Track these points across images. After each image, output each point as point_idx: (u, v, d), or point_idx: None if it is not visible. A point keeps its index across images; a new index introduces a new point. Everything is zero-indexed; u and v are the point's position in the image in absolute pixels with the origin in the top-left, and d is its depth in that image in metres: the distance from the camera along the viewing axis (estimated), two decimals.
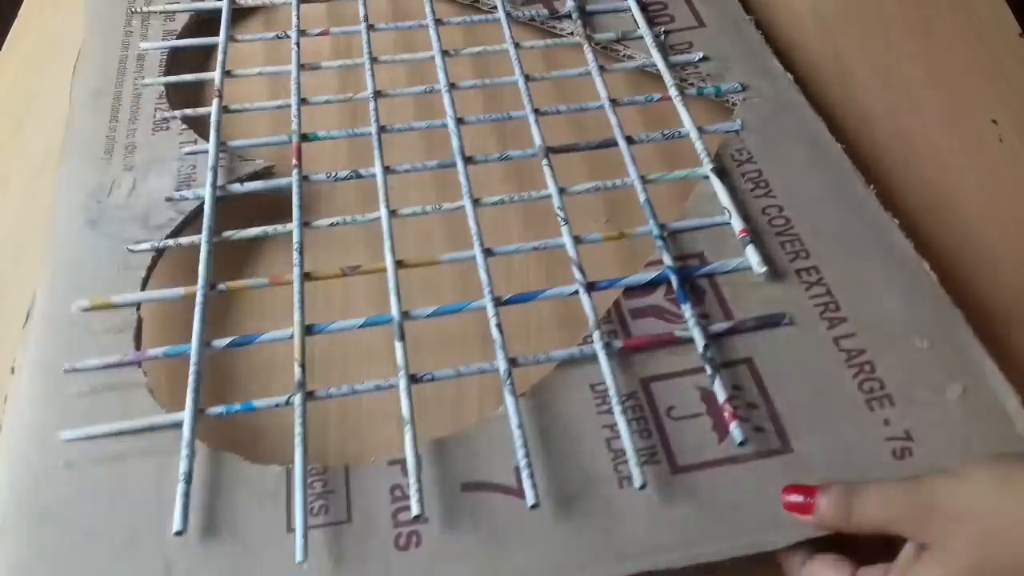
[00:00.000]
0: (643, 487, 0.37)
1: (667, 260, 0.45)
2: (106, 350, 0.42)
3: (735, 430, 0.38)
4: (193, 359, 0.41)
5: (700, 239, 0.47)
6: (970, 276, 0.46)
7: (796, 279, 0.44)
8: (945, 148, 0.54)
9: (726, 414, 0.39)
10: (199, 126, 0.53)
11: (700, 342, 0.41)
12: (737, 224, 0.46)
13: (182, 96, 0.56)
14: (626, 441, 0.38)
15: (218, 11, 0.59)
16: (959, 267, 0.47)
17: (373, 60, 0.56)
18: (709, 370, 0.40)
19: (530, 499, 0.36)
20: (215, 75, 0.55)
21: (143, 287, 0.45)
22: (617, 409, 0.39)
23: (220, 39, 0.57)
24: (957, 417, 0.39)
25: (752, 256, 0.45)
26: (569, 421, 0.40)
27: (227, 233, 0.47)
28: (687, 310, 0.43)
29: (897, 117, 0.55)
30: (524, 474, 0.37)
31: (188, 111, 0.54)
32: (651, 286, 0.45)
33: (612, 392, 0.39)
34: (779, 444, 0.39)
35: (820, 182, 0.49)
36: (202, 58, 0.58)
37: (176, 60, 0.58)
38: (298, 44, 0.57)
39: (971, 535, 0.32)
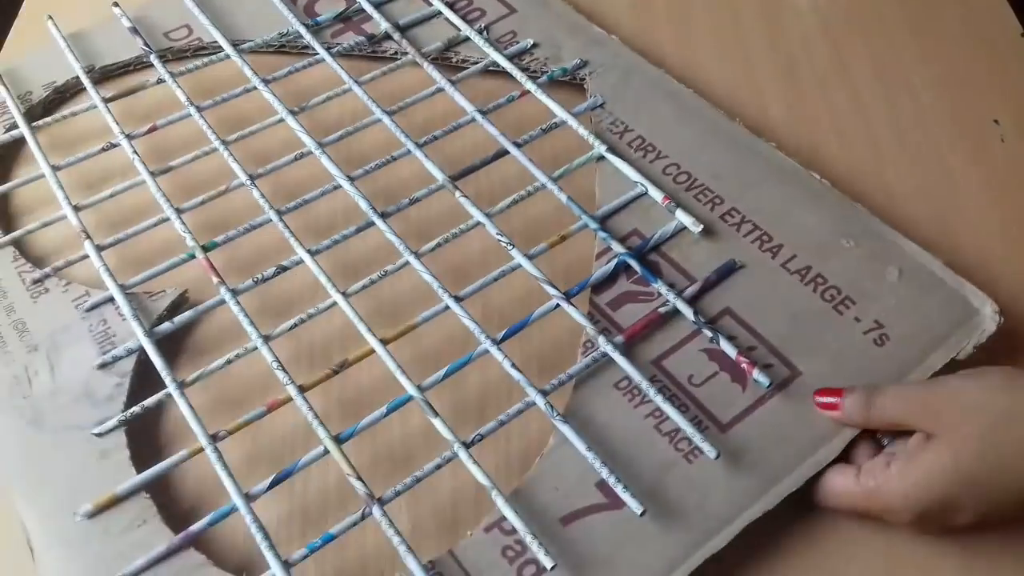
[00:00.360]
0: (718, 456, 0.41)
1: (616, 247, 0.48)
2: (143, 547, 0.39)
3: (759, 376, 0.43)
4: (248, 517, 0.39)
5: (627, 217, 0.50)
6: (972, 276, 0.47)
7: (724, 224, 0.49)
8: (947, 148, 0.54)
9: (744, 365, 0.43)
10: (69, 275, 0.49)
11: (689, 312, 0.45)
12: (656, 193, 0.50)
13: (32, 248, 0.51)
14: (680, 422, 0.42)
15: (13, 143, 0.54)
16: (961, 267, 0.48)
17: (225, 143, 0.53)
18: (710, 334, 0.44)
19: (635, 507, 0.39)
20: (66, 213, 0.50)
21: (137, 468, 0.42)
22: (657, 398, 0.42)
23: (45, 171, 0.52)
24: (905, 294, 0.46)
25: (684, 218, 0.49)
26: (614, 425, 0.43)
27: (192, 376, 0.44)
28: (661, 287, 0.46)
29: (898, 117, 0.56)
30: (618, 488, 0.40)
31: (59, 264, 0.49)
32: (613, 276, 0.48)
33: (643, 384, 0.43)
34: (789, 372, 0.44)
35: (695, 130, 0.54)
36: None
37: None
38: (136, 152, 0.53)
39: (978, 425, 0.37)
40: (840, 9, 0.63)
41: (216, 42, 0.58)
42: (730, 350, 0.44)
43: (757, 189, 0.51)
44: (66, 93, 0.58)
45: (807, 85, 0.59)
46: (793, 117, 0.57)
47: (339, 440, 0.41)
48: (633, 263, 0.47)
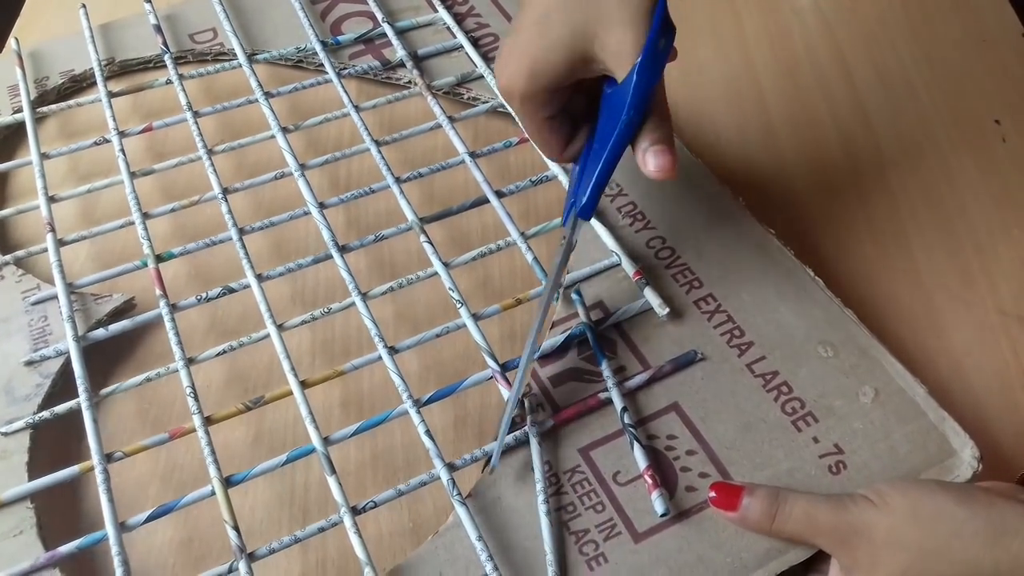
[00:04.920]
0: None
1: (578, 316, 0.45)
2: (11, 559, 0.38)
3: (657, 500, 0.39)
4: (114, 549, 0.38)
5: (596, 286, 0.47)
6: (973, 275, 0.47)
7: (697, 311, 0.45)
8: (948, 149, 0.54)
9: (648, 481, 0.39)
10: (31, 267, 0.49)
11: (619, 403, 0.42)
12: (629, 267, 0.47)
13: (10, 234, 0.51)
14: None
15: (13, 127, 0.54)
16: (962, 267, 0.48)
17: (210, 152, 0.52)
18: (628, 438, 0.41)
19: None
20: (38, 204, 0.50)
21: (31, 474, 0.41)
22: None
23: (33, 159, 0.52)
24: (876, 419, 0.41)
25: (652, 298, 0.45)
26: (522, 512, 0.40)
27: (106, 390, 0.43)
28: (605, 370, 0.43)
29: (899, 118, 0.55)
30: None
31: (19, 253, 0.49)
32: (564, 348, 0.45)
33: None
34: None
35: (691, 203, 0.50)
36: None
37: None
38: (123, 150, 0.52)
39: (895, 566, 0.34)
40: (841, 9, 0.62)
41: (235, 49, 0.58)
42: (642, 460, 0.40)
43: (740, 277, 0.46)
44: (83, 83, 0.59)
45: (807, 85, 0.57)
46: (793, 117, 0.55)
47: (229, 483, 0.40)
48: (590, 336, 0.44)
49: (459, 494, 0.39)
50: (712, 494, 0.38)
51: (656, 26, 0.38)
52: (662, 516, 0.38)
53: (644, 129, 0.40)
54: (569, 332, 0.45)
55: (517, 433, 0.41)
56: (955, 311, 0.47)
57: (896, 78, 0.57)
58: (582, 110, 0.43)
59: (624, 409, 0.41)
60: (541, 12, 0.40)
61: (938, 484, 0.35)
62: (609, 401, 0.42)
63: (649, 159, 0.40)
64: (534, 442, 0.40)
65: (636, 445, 0.40)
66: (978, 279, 0.48)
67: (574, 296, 0.46)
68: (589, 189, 0.40)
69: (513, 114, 0.41)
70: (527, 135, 0.43)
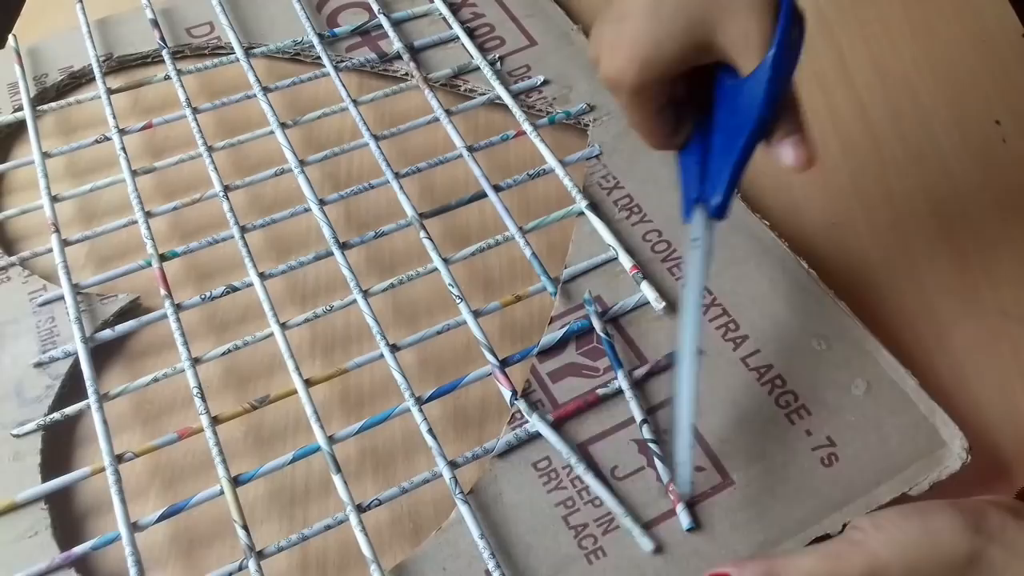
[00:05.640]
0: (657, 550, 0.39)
1: (577, 311, 0.46)
2: (28, 559, 0.39)
3: (682, 515, 0.40)
4: (127, 549, 0.39)
5: (593, 281, 0.48)
6: (974, 274, 0.47)
7: None
8: (948, 149, 0.53)
9: (671, 497, 0.40)
10: (34, 267, 0.50)
11: (639, 417, 0.42)
12: (626, 261, 0.47)
13: (10, 233, 0.52)
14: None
15: (13, 126, 0.55)
16: (963, 266, 0.48)
17: (210, 149, 0.53)
18: (652, 445, 0.41)
19: None
20: (41, 204, 0.51)
21: (44, 475, 0.42)
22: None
23: (35, 158, 0.53)
24: (868, 411, 0.42)
25: (649, 293, 0.46)
26: (522, 507, 0.41)
27: (115, 390, 0.44)
28: (623, 381, 0.43)
29: (898, 117, 0.55)
30: None
31: (24, 254, 0.50)
32: (562, 344, 0.45)
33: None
34: (720, 479, 0.41)
35: None
36: None
37: None
38: (123, 148, 0.53)
39: None
40: (841, 9, 0.62)
41: (232, 43, 0.58)
42: (665, 475, 0.41)
43: (736, 271, 0.47)
44: (82, 79, 0.59)
45: (807, 85, 0.56)
46: None
47: (237, 482, 0.41)
48: (606, 347, 0.44)
49: (461, 492, 0.40)
50: None
51: (786, 13, 0.36)
52: (688, 530, 0.39)
53: (783, 120, 0.38)
54: (568, 327, 0.45)
55: (519, 432, 0.42)
56: (955, 311, 0.47)
57: (896, 78, 0.57)
58: (685, 96, 0.40)
59: (644, 421, 0.42)
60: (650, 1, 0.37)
61: (950, 508, 0.33)
62: (608, 396, 0.43)
63: (786, 151, 0.38)
64: (545, 429, 0.41)
65: (658, 460, 0.41)
66: (979, 279, 0.48)
67: (588, 308, 0.46)
68: (724, 189, 0.38)
69: (618, 104, 0.39)
70: (631, 125, 0.41)
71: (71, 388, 0.45)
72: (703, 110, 0.40)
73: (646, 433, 0.42)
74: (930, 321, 0.47)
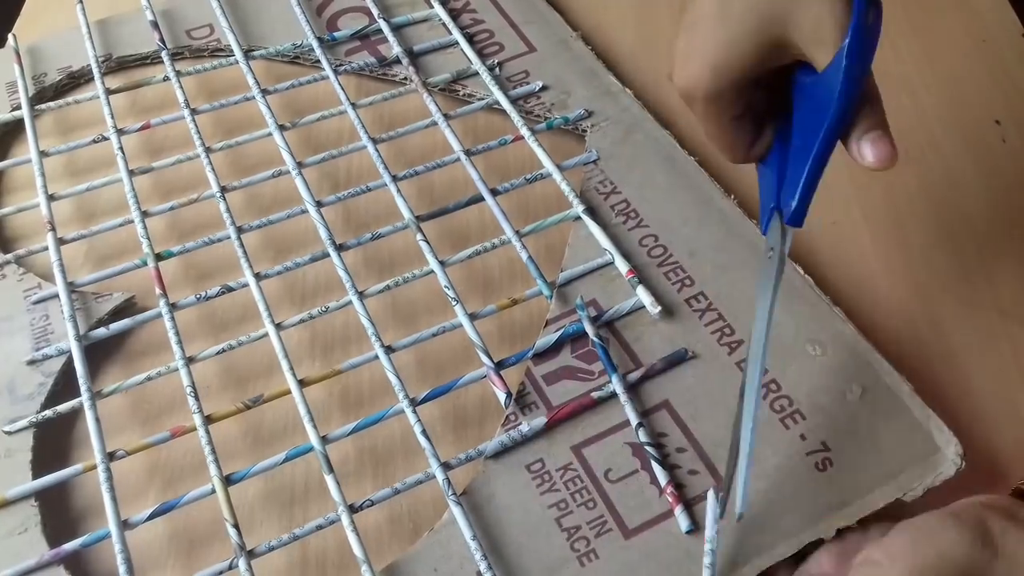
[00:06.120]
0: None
1: (570, 315, 0.46)
2: (16, 556, 0.39)
3: (680, 518, 0.39)
4: (117, 547, 0.39)
5: (589, 285, 0.48)
6: (973, 274, 0.47)
7: (688, 309, 0.46)
8: (948, 149, 0.54)
9: (670, 498, 0.40)
10: (29, 265, 0.50)
11: (634, 421, 0.42)
12: (622, 265, 0.47)
13: (7, 231, 0.52)
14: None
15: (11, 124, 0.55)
16: (962, 266, 0.48)
17: (208, 150, 0.53)
18: (649, 449, 0.41)
19: None
20: (38, 202, 0.51)
21: (34, 472, 0.42)
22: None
23: (32, 157, 0.53)
24: (863, 417, 0.42)
25: (644, 297, 0.46)
26: (515, 509, 0.40)
27: (109, 388, 0.44)
28: (617, 386, 0.43)
29: (898, 117, 0.55)
30: None
31: (20, 252, 0.49)
32: (557, 347, 0.45)
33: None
34: (715, 483, 0.41)
35: (684, 201, 0.50)
36: None
37: None
38: (122, 149, 0.53)
39: None
40: None
41: (231, 45, 0.58)
42: (662, 477, 0.41)
43: (732, 275, 0.47)
44: (80, 79, 0.59)
45: None
46: None
47: (229, 481, 0.41)
48: (600, 352, 0.44)
49: (454, 493, 0.40)
50: None
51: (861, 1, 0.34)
52: (687, 532, 0.39)
53: (861, 116, 0.36)
54: (562, 331, 0.45)
55: (513, 433, 0.42)
56: (955, 311, 0.47)
57: (896, 78, 0.57)
58: (763, 104, 0.39)
59: (640, 425, 0.42)
60: (717, 3, 0.36)
61: (952, 523, 0.33)
62: (603, 399, 0.43)
63: (867, 149, 0.36)
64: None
65: (655, 464, 0.41)
66: (978, 279, 0.48)
67: (580, 312, 0.46)
68: (799, 192, 0.37)
69: (695, 117, 0.38)
70: (708, 138, 0.39)
71: (64, 386, 0.45)
72: (783, 119, 0.38)
73: (643, 436, 0.41)
74: (929, 320, 0.47)
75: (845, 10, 0.34)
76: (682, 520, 0.39)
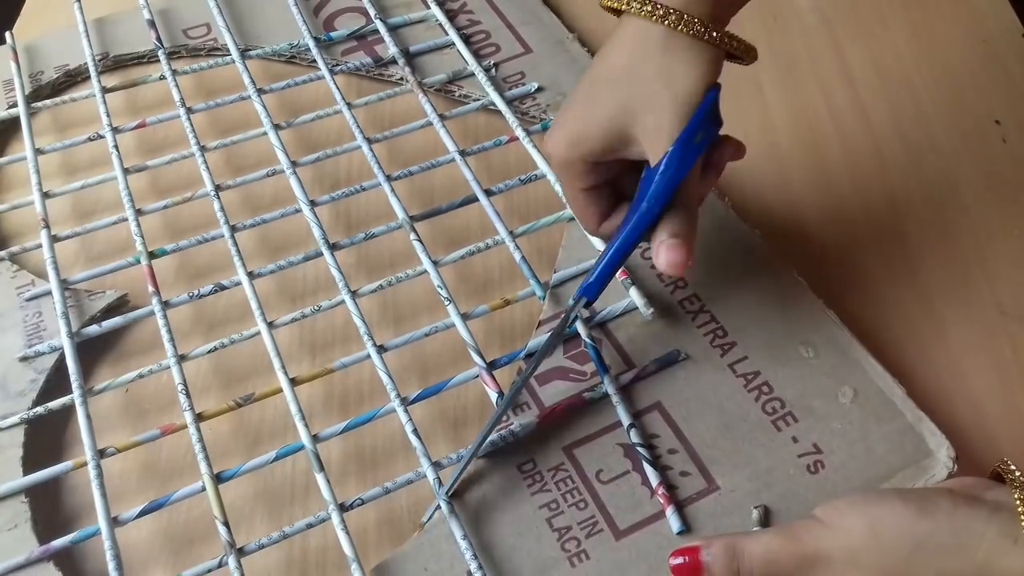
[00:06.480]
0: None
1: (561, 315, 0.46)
2: (6, 552, 0.39)
3: (672, 519, 0.39)
4: (107, 543, 0.39)
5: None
6: (973, 273, 0.47)
7: (681, 311, 0.46)
8: (948, 149, 0.54)
9: (661, 499, 0.40)
10: (23, 262, 0.49)
11: (626, 421, 0.42)
12: None
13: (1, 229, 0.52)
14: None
15: (7, 122, 0.55)
16: (962, 267, 0.48)
17: (203, 149, 0.53)
18: (640, 449, 0.41)
19: None
20: (32, 200, 0.51)
21: (25, 469, 0.42)
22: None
23: (27, 154, 0.53)
24: (855, 419, 0.42)
25: (637, 298, 0.46)
26: (507, 508, 0.40)
27: (100, 386, 0.44)
28: (609, 387, 0.43)
29: (898, 117, 0.55)
30: None
31: (14, 249, 0.49)
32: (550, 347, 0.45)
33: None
34: (706, 484, 0.41)
35: None
36: None
37: None
38: (116, 147, 0.53)
39: None
40: (841, 9, 0.62)
41: (228, 45, 0.58)
42: (654, 478, 0.40)
43: (725, 278, 0.47)
44: (77, 77, 0.59)
45: (807, 85, 0.57)
46: (793, 117, 0.55)
47: (219, 479, 0.40)
48: (592, 354, 0.44)
49: (445, 492, 0.40)
50: (673, 562, 0.36)
51: (697, 119, 0.37)
52: (678, 534, 0.39)
53: (665, 220, 0.39)
54: (553, 332, 0.45)
55: (504, 432, 0.42)
56: (955, 311, 0.47)
57: (896, 78, 0.57)
58: (623, 190, 0.42)
59: (632, 426, 0.42)
60: (593, 82, 0.40)
61: (898, 496, 0.34)
62: (595, 400, 0.43)
63: (661, 252, 0.39)
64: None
65: (647, 465, 0.41)
66: (978, 279, 0.48)
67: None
68: (597, 272, 0.40)
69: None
70: (565, 202, 0.42)
71: (56, 383, 0.45)
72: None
73: (634, 437, 0.41)
74: (928, 320, 0.47)
75: (682, 121, 0.38)
76: (673, 521, 0.39)
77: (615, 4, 0.40)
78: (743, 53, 0.40)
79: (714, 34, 0.38)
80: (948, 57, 0.58)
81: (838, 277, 0.48)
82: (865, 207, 0.52)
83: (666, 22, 0.38)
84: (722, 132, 0.40)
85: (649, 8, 0.38)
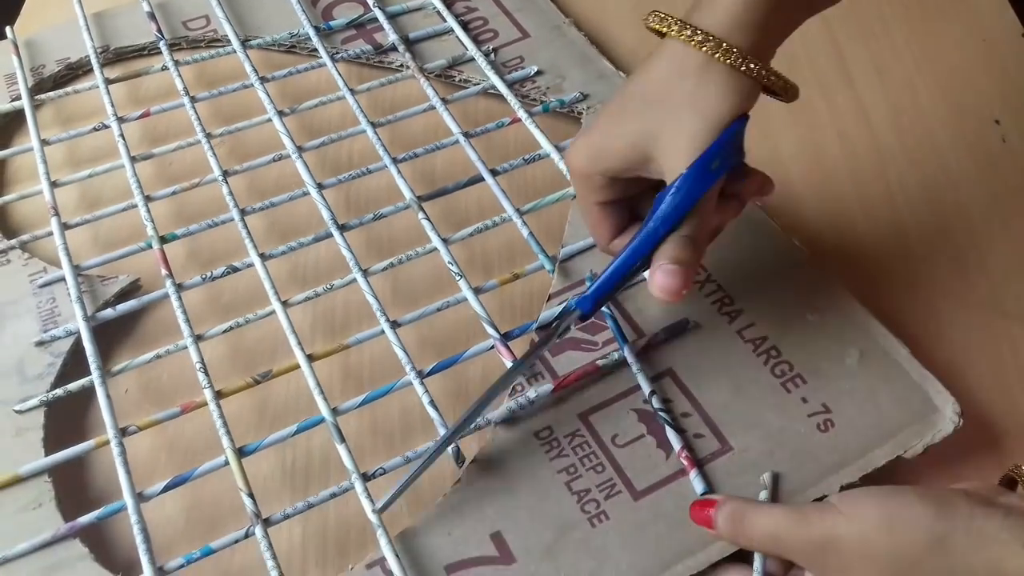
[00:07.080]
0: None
1: (573, 289, 0.47)
2: (32, 530, 0.39)
3: (696, 480, 0.40)
4: (133, 517, 0.39)
5: (589, 260, 0.48)
6: (972, 273, 0.48)
7: None
8: (948, 148, 0.54)
9: (684, 461, 0.41)
10: (35, 250, 0.50)
11: (647, 389, 0.43)
12: None
13: (11, 218, 0.52)
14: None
15: (10, 115, 0.55)
16: (962, 265, 0.48)
17: (208, 136, 0.53)
18: (662, 414, 0.42)
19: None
20: (41, 188, 0.51)
21: (47, 450, 0.42)
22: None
23: (33, 145, 0.53)
24: (862, 379, 0.43)
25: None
26: (525, 474, 0.41)
27: (118, 367, 0.44)
28: (629, 355, 0.44)
29: (898, 117, 0.56)
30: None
31: (24, 237, 0.50)
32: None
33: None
34: (719, 445, 0.42)
35: None
36: None
37: None
38: (122, 135, 0.53)
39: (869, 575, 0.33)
40: (841, 9, 0.61)
41: (228, 35, 0.59)
42: (676, 442, 0.41)
43: (729, 248, 0.48)
44: (78, 70, 0.60)
45: (807, 85, 0.57)
46: (793, 117, 0.56)
47: (242, 453, 0.41)
48: (612, 327, 0.45)
49: (463, 461, 0.40)
50: (694, 512, 0.38)
51: (717, 145, 0.37)
52: (702, 495, 0.40)
53: (668, 243, 0.38)
54: (565, 304, 0.46)
55: (521, 400, 0.43)
56: (955, 311, 0.47)
57: (896, 78, 0.57)
58: (639, 210, 0.42)
59: (652, 393, 0.43)
60: (624, 98, 0.40)
61: (916, 493, 0.34)
62: (608, 367, 0.44)
63: (657, 275, 0.38)
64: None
65: (668, 428, 0.42)
66: (978, 279, 0.48)
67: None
68: (594, 288, 0.40)
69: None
70: (579, 211, 0.42)
71: (73, 366, 0.45)
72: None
73: (655, 403, 0.42)
74: (928, 319, 0.47)
75: (701, 147, 0.37)
76: (697, 483, 0.40)
77: (659, 26, 0.39)
78: (781, 90, 0.40)
79: (752, 66, 0.38)
80: (948, 57, 0.58)
81: (837, 276, 0.48)
82: (864, 207, 0.52)
83: (704, 48, 0.37)
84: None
85: (689, 32, 0.38)
